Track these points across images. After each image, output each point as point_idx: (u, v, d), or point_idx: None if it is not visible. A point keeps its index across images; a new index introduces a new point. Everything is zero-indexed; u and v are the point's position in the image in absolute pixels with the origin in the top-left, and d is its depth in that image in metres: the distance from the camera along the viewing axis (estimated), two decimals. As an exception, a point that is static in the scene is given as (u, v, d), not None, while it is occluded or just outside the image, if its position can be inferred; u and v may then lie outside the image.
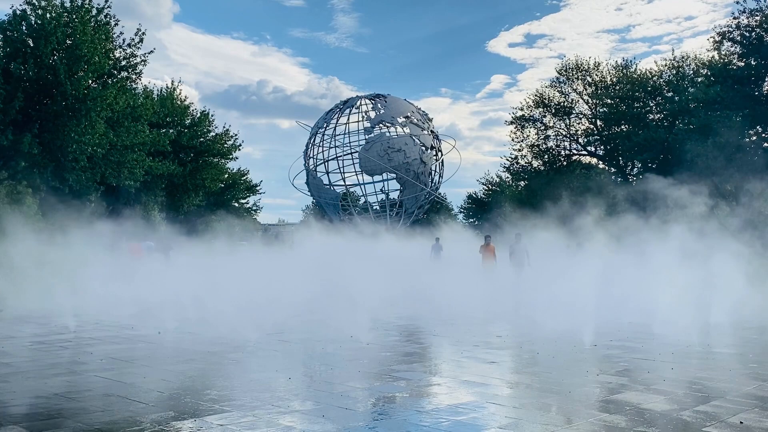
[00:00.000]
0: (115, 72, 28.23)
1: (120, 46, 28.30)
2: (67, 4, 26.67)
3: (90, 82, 26.54)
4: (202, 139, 39.52)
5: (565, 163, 45.13)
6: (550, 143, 45.65)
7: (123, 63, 28.52)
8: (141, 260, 23.80)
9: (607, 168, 44.02)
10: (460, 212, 70.61)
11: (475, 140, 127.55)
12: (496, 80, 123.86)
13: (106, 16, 27.74)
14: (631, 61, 43.05)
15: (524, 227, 23.55)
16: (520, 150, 45.83)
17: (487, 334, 11.77)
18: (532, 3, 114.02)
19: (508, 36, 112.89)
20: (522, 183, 47.79)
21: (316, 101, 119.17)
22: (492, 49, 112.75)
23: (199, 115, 39.81)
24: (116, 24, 27.97)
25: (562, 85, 44.52)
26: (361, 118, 43.16)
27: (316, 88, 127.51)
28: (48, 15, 25.87)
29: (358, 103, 43.87)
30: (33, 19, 26.05)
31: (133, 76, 28.85)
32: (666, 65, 39.76)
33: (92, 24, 26.91)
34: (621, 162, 42.75)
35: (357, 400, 6.78)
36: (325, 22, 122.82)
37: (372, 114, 42.69)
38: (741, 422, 5.78)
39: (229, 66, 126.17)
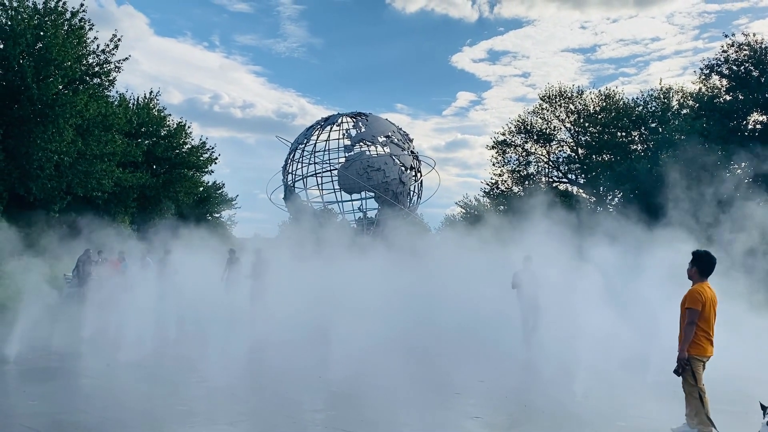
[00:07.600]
0: (87, 78, 27.21)
1: (94, 52, 27.32)
2: (40, 7, 25.68)
3: (60, 87, 25.50)
4: (177, 151, 38.44)
5: (545, 189, 44.68)
6: (531, 169, 45.35)
7: (96, 69, 27.52)
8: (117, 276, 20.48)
9: (588, 197, 43.62)
10: (438, 233, 70.13)
11: (440, 162, 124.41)
12: (462, 98, 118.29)
13: (80, 21, 26.77)
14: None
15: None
16: (501, 175, 45.55)
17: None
18: (495, 20, 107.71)
19: (472, 52, 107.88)
20: (501, 207, 47.30)
21: (271, 114, 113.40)
22: (456, 65, 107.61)
23: (175, 126, 38.78)
24: (90, 29, 27.03)
25: (545, 111, 44.24)
26: (341, 136, 42.44)
27: (272, 100, 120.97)
28: (19, 17, 24.86)
29: (339, 121, 43.20)
30: (3, 20, 25.01)
31: (106, 83, 27.86)
32: (651, 96, 39.57)
33: (65, 28, 25.93)
34: (601, 191, 42.36)
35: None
36: (274, 30, 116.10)
37: (353, 132, 42.00)
38: None
39: (184, 73, 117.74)
